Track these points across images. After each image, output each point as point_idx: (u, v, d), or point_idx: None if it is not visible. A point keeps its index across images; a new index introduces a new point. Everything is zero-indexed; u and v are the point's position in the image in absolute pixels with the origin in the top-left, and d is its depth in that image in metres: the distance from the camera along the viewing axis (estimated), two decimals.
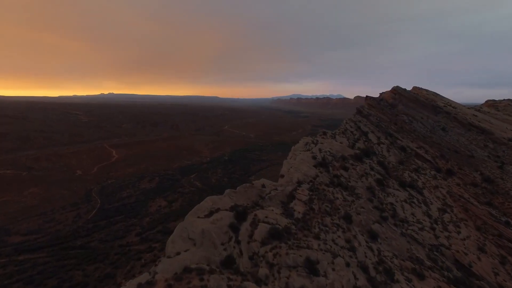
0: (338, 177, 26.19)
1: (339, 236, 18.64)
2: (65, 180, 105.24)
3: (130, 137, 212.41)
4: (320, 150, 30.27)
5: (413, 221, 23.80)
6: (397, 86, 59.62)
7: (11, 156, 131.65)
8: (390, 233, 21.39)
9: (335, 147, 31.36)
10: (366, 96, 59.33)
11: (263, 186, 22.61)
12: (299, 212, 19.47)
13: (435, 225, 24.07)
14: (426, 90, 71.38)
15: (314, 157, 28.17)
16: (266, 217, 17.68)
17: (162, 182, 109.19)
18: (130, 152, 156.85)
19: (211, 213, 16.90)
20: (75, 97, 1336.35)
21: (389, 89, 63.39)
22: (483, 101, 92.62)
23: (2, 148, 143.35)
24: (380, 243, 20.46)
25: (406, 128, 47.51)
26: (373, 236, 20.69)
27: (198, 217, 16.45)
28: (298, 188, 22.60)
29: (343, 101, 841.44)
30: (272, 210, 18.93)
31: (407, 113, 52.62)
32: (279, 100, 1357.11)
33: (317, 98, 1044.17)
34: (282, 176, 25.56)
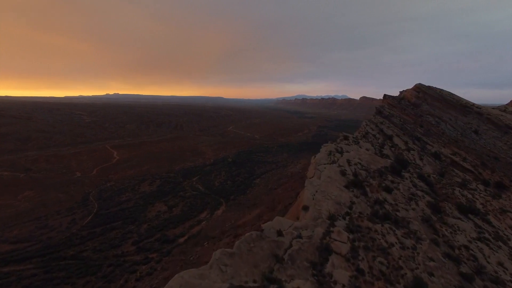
0: (381, 204, 18.56)
1: None
2: (63, 183, 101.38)
3: (133, 137, 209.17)
4: (348, 161, 21.96)
5: (508, 281, 15.72)
6: (420, 84, 53.41)
7: (10, 157, 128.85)
8: None
9: (364, 156, 23.68)
10: (385, 94, 53.48)
11: (279, 233, 14.42)
12: (343, 286, 11.85)
13: None
14: (441, 90, 65.43)
15: (343, 173, 20.77)
16: None
17: (163, 185, 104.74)
18: (132, 153, 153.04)
19: None
20: (80, 97, 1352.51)
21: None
22: (492, 102, 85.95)
23: (3, 149, 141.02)
24: None
25: (434, 131, 41.52)
26: None
27: None
28: (331, 229, 15.19)
29: (349, 101, 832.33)
30: None
31: (432, 114, 46.54)
32: (284, 101, 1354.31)
33: (322, 99, 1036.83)
34: (306, 208, 17.33)
